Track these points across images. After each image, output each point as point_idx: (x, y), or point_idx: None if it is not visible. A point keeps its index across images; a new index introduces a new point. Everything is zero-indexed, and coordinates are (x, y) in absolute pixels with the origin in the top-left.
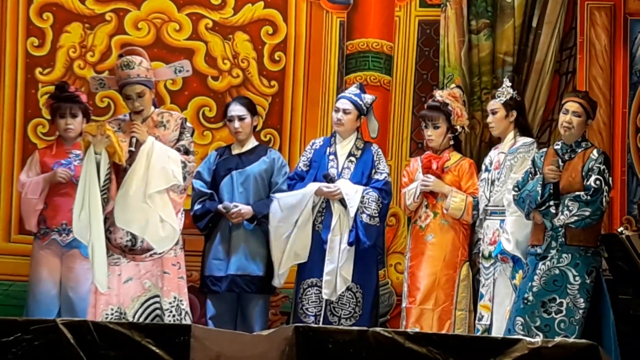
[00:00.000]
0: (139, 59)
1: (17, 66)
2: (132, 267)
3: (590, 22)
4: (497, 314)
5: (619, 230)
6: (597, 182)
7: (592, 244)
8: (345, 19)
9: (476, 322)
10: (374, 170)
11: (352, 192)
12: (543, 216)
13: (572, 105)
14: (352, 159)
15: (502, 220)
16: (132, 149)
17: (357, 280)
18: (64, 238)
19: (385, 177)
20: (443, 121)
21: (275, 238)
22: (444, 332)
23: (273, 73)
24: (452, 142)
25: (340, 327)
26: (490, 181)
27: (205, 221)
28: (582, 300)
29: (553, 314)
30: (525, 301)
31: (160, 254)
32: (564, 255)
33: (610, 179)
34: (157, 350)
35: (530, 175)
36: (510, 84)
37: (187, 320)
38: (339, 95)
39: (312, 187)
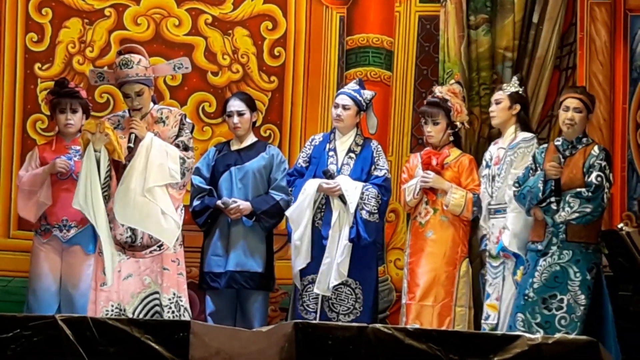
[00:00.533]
0: (137, 57)
1: (16, 61)
2: (131, 263)
3: (591, 18)
4: (503, 312)
5: (619, 226)
6: (598, 179)
7: (593, 240)
8: (345, 14)
9: (482, 321)
10: (373, 167)
11: (352, 189)
12: (544, 212)
13: (572, 101)
14: (352, 155)
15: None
16: (131, 145)
17: (356, 276)
18: (65, 234)
19: (385, 173)
20: (443, 117)
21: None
22: (443, 328)
23: (273, 68)
24: (451, 138)
25: (340, 323)
26: (490, 177)
27: (204, 217)
28: (583, 296)
29: (554, 311)
30: (526, 297)
31: (159, 250)
32: (564, 251)
33: (611, 175)
34: (157, 347)
35: (530, 171)
36: (518, 81)
37: (187, 317)
38: (338, 91)
39: (313, 187)
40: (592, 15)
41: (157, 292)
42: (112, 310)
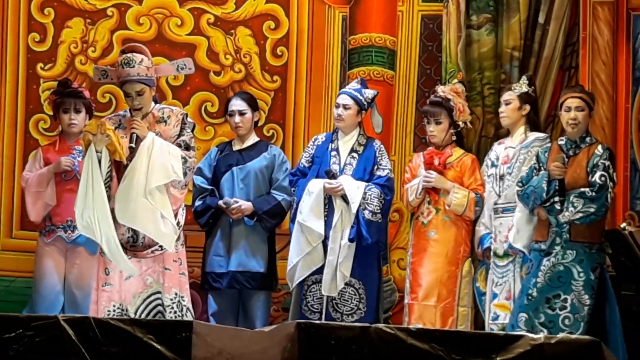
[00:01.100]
0: (139, 57)
1: (19, 61)
2: (133, 263)
3: (593, 18)
4: None
5: (622, 226)
6: (602, 179)
7: (597, 240)
8: (347, 13)
9: (490, 321)
10: (376, 167)
11: (354, 188)
12: (548, 212)
13: (573, 101)
14: (354, 154)
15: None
16: (133, 145)
17: (360, 276)
18: (70, 235)
19: (388, 173)
20: (445, 117)
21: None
22: (446, 328)
23: (275, 68)
24: (454, 138)
25: (343, 323)
26: (498, 176)
27: (206, 217)
28: (587, 296)
29: (557, 310)
30: (530, 297)
31: (161, 250)
32: (568, 251)
33: (615, 174)
34: (159, 347)
35: (534, 170)
36: (527, 81)
37: (189, 317)
38: (340, 91)
39: (318, 187)
40: (594, 14)
41: (159, 292)
42: (114, 311)
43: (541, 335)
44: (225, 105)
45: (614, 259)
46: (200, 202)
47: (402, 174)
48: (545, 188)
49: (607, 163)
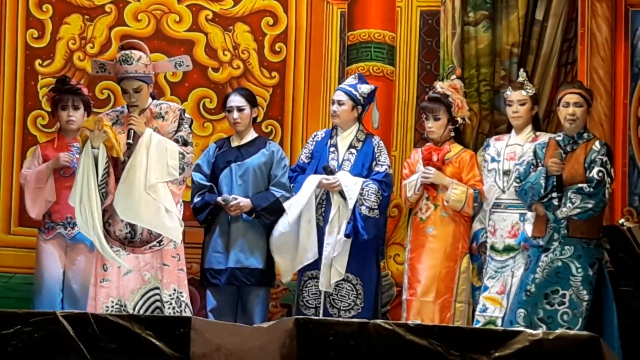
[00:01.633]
0: (138, 54)
1: (17, 58)
2: (131, 259)
3: (592, 13)
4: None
5: (620, 221)
6: (600, 174)
7: (595, 235)
8: (345, 9)
9: (477, 313)
10: (374, 162)
11: (352, 184)
12: (545, 208)
13: (571, 97)
14: (353, 150)
15: (522, 214)
16: (130, 141)
17: (357, 272)
18: (69, 232)
19: (386, 169)
20: (444, 113)
21: (280, 249)
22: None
23: (274, 64)
24: (452, 134)
25: (341, 319)
26: (502, 171)
27: (204, 214)
28: (585, 292)
29: (556, 306)
30: (528, 293)
31: (159, 246)
32: (566, 247)
33: (612, 170)
34: (157, 343)
35: (532, 166)
36: (527, 78)
37: (187, 313)
38: (337, 87)
39: (313, 184)
40: (593, 10)
41: (157, 288)
42: (113, 307)
43: (539, 331)
44: (224, 101)
45: (612, 255)
46: (199, 199)
47: (403, 170)
48: (543, 184)
49: (605, 159)
